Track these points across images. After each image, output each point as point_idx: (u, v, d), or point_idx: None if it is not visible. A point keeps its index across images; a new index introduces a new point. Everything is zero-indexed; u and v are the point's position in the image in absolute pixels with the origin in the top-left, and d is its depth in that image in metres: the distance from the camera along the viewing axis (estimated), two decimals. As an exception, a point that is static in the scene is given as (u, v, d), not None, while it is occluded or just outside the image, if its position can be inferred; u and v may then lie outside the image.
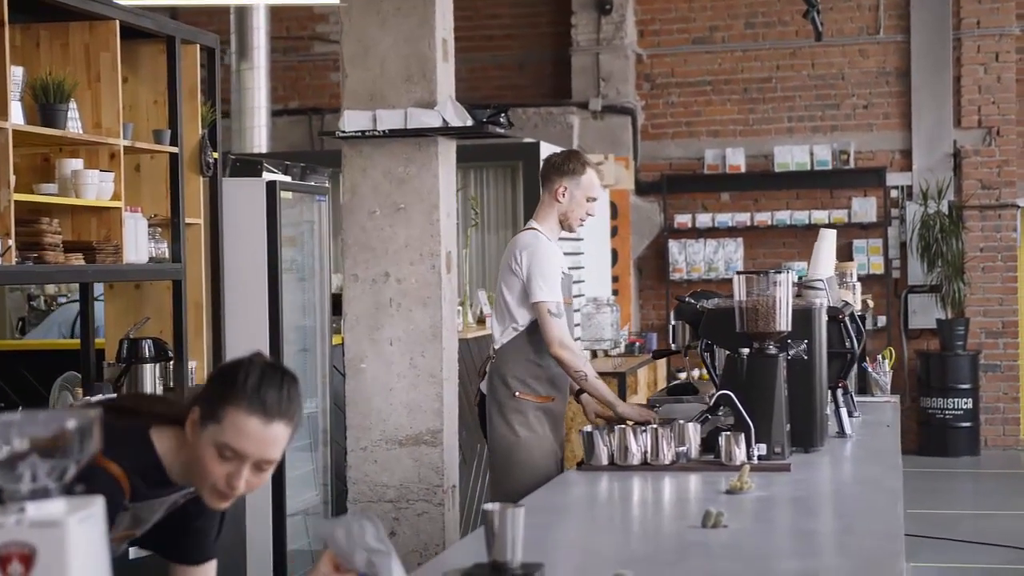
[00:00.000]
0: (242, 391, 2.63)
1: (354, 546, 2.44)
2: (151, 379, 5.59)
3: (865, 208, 12.62)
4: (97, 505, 1.88)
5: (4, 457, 1.82)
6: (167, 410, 2.81)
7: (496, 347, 5.37)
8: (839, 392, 5.11)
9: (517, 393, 5.26)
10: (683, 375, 10.02)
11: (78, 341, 6.10)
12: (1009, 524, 9.42)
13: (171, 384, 5.80)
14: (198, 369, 6.03)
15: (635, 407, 5.31)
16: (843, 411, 5.04)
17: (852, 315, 5.46)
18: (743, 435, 4.24)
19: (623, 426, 4.37)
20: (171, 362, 5.79)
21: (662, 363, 11.05)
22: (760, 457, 4.28)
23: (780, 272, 4.48)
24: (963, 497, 10.95)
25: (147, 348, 5.62)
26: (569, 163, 5.38)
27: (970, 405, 12.24)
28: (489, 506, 2.77)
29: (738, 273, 4.52)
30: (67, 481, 1.86)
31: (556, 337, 5.13)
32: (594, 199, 5.40)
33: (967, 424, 12.26)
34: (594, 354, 10.56)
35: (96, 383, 5.62)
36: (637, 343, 11.00)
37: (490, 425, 5.34)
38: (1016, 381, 12.64)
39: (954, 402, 12.22)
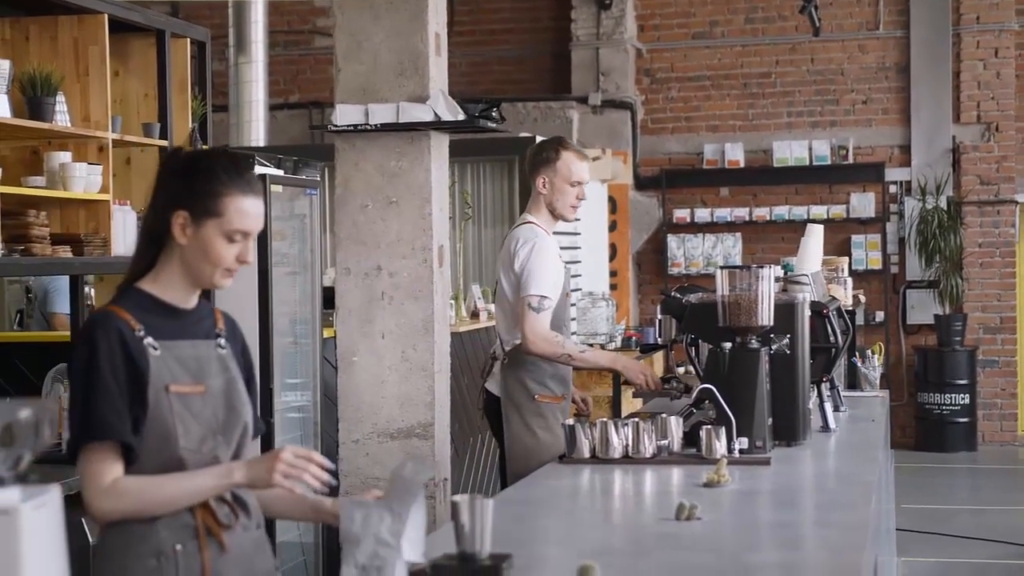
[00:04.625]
0: (232, 181, 2.88)
1: (367, 533, 2.43)
2: (140, 371, 5.58)
3: (864, 203, 12.61)
4: (52, 493, 1.90)
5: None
6: (134, 268, 3.05)
7: (507, 348, 5.32)
8: (824, 386, 5.12)
9: (537, 396, 5.23)
10: (681, 370, 10.01)
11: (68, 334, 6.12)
12: (1005, 519, 9.43)
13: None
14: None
15: (636, 364, 5.34)
16: (827, 405, 5.05)
17: (839, 310, 5.46)
18: (724, 429, 4.26)
19: (605, 420, 4.39)
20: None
21: (660, 357, 11.06)
22: (742, 451, 4.28)
23: (763, 267, 4.48)
24: (959, 492, 10.96)
25: (136, 341, 5.61)
26: (543, 152, 5.33)
27: (967, 400, 12.25)
28: (457, 498, 2.79)
29: (721, 267, 4.53)
30: (22, 470, 1.88)
31: (532, 332, 5.12)
32: (577, 183, 5.31)
33: (964, 419, 12.26)
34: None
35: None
36: (635, 338, 10.99)
37: (507, 428, 5.29)
38: (1014, 376, 12.65)
39: (952, 397, 12.22)
